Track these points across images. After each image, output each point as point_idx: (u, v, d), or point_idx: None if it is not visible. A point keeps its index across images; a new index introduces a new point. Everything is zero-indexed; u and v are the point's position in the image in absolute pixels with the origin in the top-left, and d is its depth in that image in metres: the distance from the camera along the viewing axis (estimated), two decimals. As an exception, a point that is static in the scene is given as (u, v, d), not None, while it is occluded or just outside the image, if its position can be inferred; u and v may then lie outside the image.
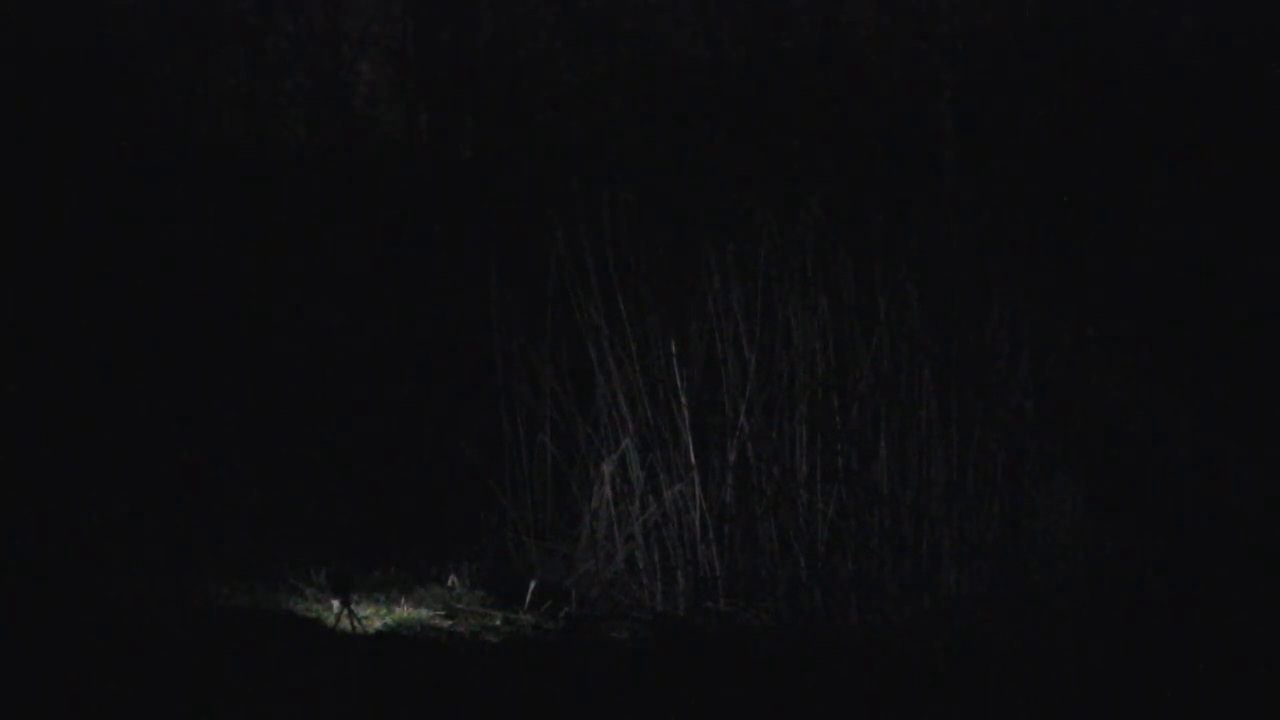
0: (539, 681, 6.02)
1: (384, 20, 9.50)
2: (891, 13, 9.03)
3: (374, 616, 6.80)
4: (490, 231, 8.54)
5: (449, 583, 7.20)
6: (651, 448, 7.14)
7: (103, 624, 6.31)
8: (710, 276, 7.20)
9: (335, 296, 8.03)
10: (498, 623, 6.78)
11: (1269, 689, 5.84)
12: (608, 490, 7.11)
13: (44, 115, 8.11)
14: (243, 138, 8.74)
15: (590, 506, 7.19)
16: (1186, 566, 6.79)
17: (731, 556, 7.04)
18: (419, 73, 9.51)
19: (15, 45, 8.28)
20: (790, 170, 7.49)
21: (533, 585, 6.96)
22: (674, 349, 7.02)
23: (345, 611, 6.55)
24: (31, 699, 5.59)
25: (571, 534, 7.28)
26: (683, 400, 7.01)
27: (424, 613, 6.89)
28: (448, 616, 6.85)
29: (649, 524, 7.08)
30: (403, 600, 7.01)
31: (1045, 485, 7.01)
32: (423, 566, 7.30)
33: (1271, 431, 7.25)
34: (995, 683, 5.97)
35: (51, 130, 8.07)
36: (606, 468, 7.12)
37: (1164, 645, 6.25)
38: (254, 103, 8.99)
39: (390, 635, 6.58)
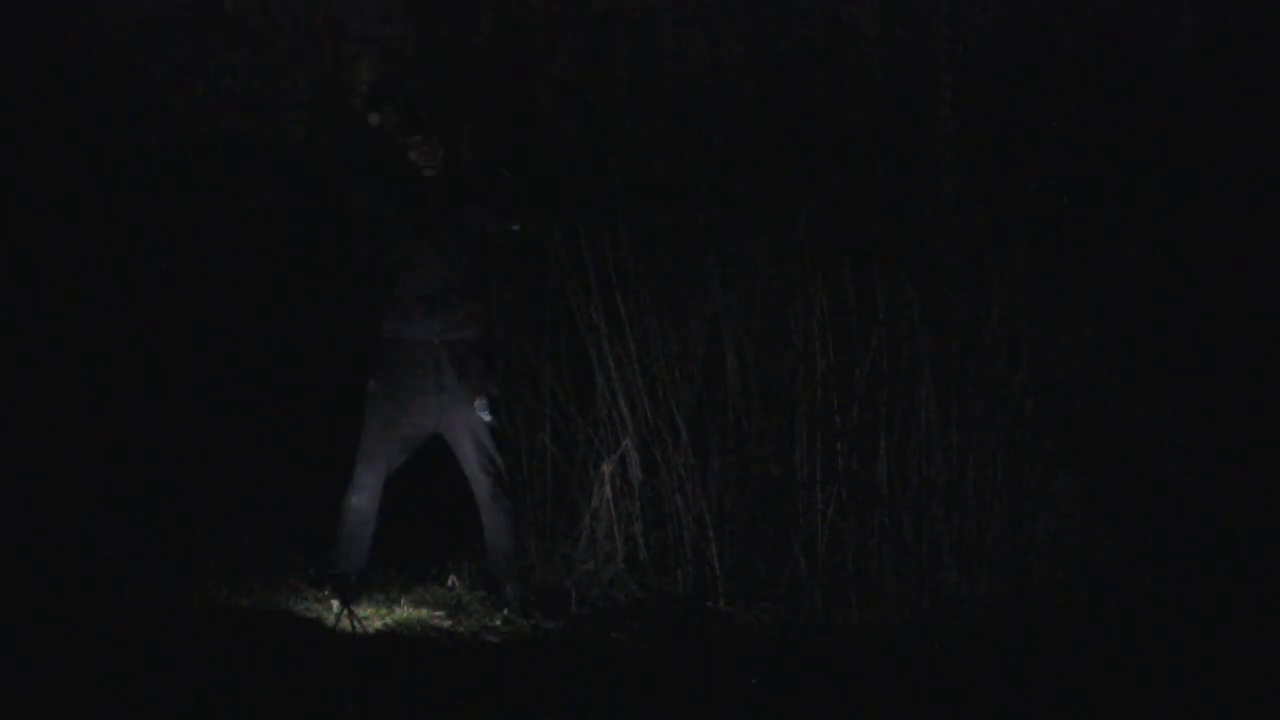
0: (539, 681, 6.02)
1: (384, 20, 9.51)
2: (891, 12, 9.03)
3: (374, 616, 6.80)
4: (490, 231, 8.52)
5: (449, 583, 7.20)
6: (651, 448, 7.15)
7: (102, 624, 6.31)
8: (710, 276, 7.20)
9: (334, 296, 8.03)
10: (498, 623, 6.78)
11: (1269, 689, 5.85)
12: (608, 490, 7.12)
13: (41, 114, 8.11)
14: (242, 137, 8.74)
15: (590, 506, 7.19)
16: (1186, 566, 6.79)
17: (731, 556, 7.04)
18: (419, 73, 9.51)
19: (13, 44, 8.28)
20: (790, 170, 7.48)
21: (528, 585, 6.96)
22: (674, 349, 7.02)
23: (345, 611, 6.55)
24: (31, 699, 5.59)
25: (571, 534, 7.29)
26: (683, 400, 7.01)
27: (424, 613, 6.89)
28: (448, 616, 6.85)
29: (649, 524, 7.08)
30: (403, 600, 7.01)
31: (1045, 485, 7.01)
32: (423, 566, 7.29)
33: (1271, 432, 7.25)
34: (995, 683, 5.97)
35: (49, 129, 8.07)
36: (606, 468, 7.13)
37: (1164, 645, 6.25)
38: (254, 103, 8.99)
39: (390, 635, 6.58)
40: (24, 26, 8.31)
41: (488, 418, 6.78)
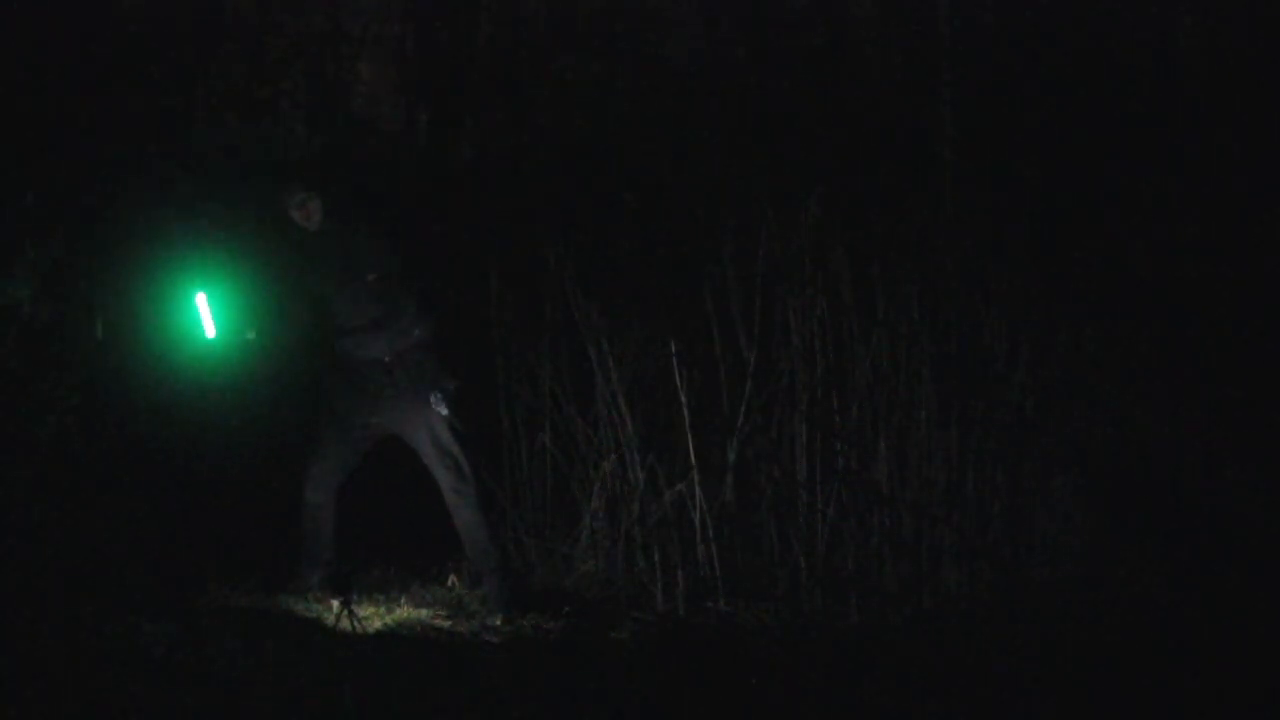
0: (539, 681, 6.02)
1: (384, 20, 9.52)
2: (891, 13, 9.04)
3: (374, 616, 6.80)
4: (490, 231, 8.54)
5: (449, 583, 7.20)
6: (651, 448, 7.14)
7: (102, 624, 6.31)
8: (709, 276, 7.20)
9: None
10: (498, 622, 6.78)
11: (1269, 689, 5.84)
12: (608, 490, 7.12)
13: (42, 114, 8.11)
14: (242, 138, 8.74)
15: (590, 507, 7.19)
16: (1186, 566, 6.79)
17: (731, 556, 7.04)
18: (419, 73, 9.52)
19: (13, 44, 8.28)
20: (790, 170, 7.48)
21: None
22: (674, 349, 7.02)
23: (345, 611, 6.55)
24: (30, 698, 5.60)
25: (571, 534, 7.29)
26: (683, 400, 7.01)
27: (424, 613, 6.89)
28: (448, 616, 6.85)
29: (649, 524, 7.08)
30: (403, 600, 7.01)
31: (1045, 485, 7.01)
32: (423, 566, 7.29)
33: (1271, 432, 7.25)
34: (995, 683, 5.97)
35: (50, 130, 8.07)
36: (606, 468, 7.13)
37: (1164, 645, 6.25)
38: (254, 103, 8.99)
39: (390, 635, 6.58)
40: (23, 27, 8.31)
41: (444, 411, 6.77)
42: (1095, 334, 7.22)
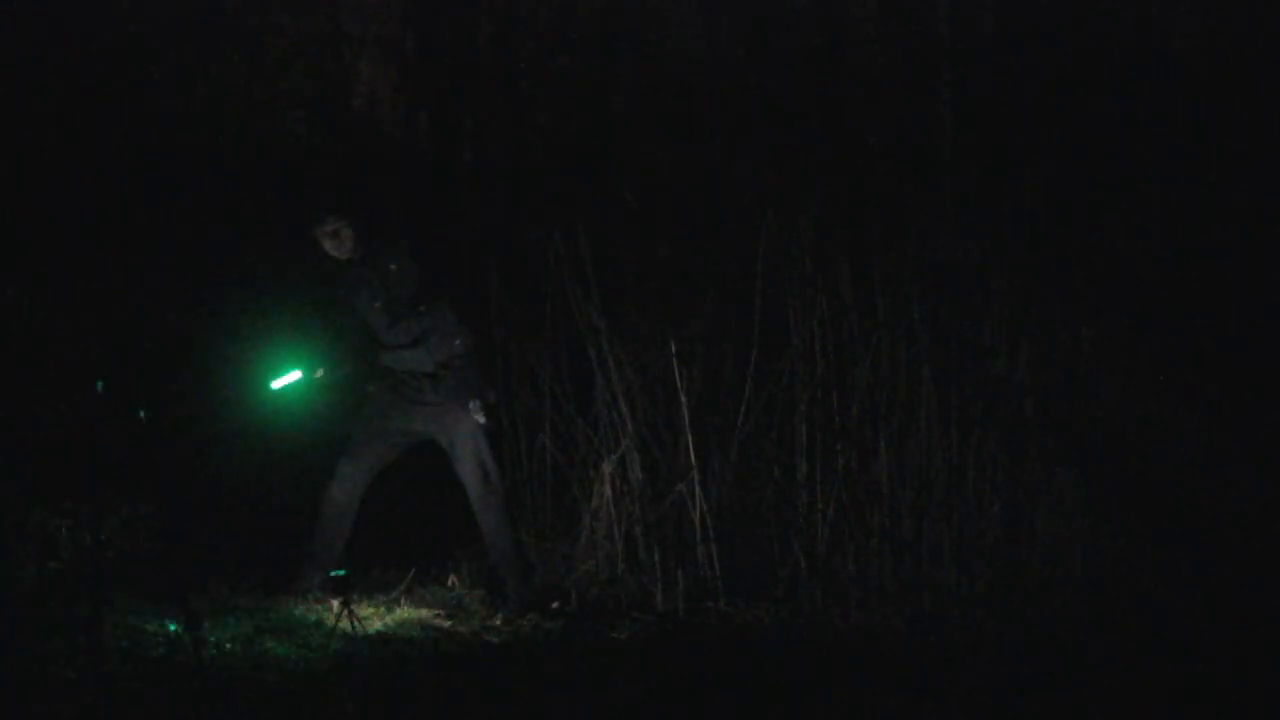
0: (539, 681, 6.01)
1: (384, 20, 9.52)
2: (891, 12, 9.04)
3: (374, 616, 6.80)
4: (490, 231, 8.54)
5: (449, 583, 7.20)
6: (651, 448, 7.14)
7: (102, 624, 6.30)
8: (710, 276, 7.19)
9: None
10: (498, 622, 6.78)
11: (1269, 689, 5.84)
12: (608, 490, 7.11)
13: (42, 115, 8.11)
14: (242, 137, 8.74)
15: (590, 506, 7.19)
16: (1186, 566, 6.79)
17: (731, 556, 7.04)
18: (419, 73, 9.52)
19: (14, 44, 8.28)
20: (790, 170, 7.48)
21: (532, 584, 6.96)
22: (674, 349, 7.02)
23: (345, 611, 6.55)
24: (30, 696, 5.59)
25: (571, 534, 7.28)
26: (683, 400, 7.01)
27: (424, 613, 6.89)
28: (448, 616, 6.85)
29: (649, 524, 7.07)
30: (403, 600, 7.01)
31: (1045, 485, 7.01)
32: (423, 566, 7.29)
33: (1271, 432, 7.25)
34: (995, 683, 5.97)
35: (49, 130, 8.06)
36: (606, 468, 7.12)
37: (1164, 645, 6.25)
38: (254, 103, 8.99)
39: (390, 635, 6.58)
40: (24, 28, 8.31)
41: (482, 419, 6.85)
42: (1095, 334, 7.22)
